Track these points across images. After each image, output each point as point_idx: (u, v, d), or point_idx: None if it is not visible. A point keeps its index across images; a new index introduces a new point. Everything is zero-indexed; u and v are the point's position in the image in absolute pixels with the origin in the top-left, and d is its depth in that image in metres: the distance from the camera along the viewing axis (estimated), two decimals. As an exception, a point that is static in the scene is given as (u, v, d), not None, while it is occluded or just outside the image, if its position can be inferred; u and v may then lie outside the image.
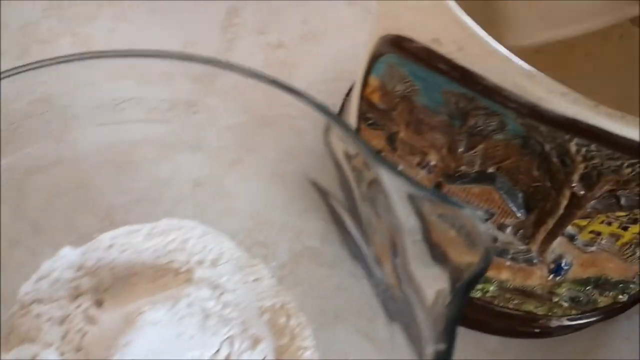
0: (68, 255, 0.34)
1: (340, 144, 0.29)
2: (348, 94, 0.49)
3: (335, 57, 0.54)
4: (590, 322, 0.40)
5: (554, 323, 0.40)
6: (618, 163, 0.28)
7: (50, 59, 0.31)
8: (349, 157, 0.29)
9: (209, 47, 0.53)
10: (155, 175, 0.36)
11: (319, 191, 0.34)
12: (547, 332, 0.41)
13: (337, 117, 0.28)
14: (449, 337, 0.23)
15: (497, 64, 0.28)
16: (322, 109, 0.29)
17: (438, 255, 0.27)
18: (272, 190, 0.39)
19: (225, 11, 0.55)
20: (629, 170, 0.28)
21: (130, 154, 0.36)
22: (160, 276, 0.34)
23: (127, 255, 0.34)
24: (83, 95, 0.34)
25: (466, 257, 0.26)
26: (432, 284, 0.26)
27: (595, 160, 0.28)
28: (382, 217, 0.28)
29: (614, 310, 0.41)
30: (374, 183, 0.27)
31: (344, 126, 0.28)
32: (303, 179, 0.35)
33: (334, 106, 0.50)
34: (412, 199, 0.26)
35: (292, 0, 0.57)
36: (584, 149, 0.28)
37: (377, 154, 0.27)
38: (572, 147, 0.28)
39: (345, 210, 0.33)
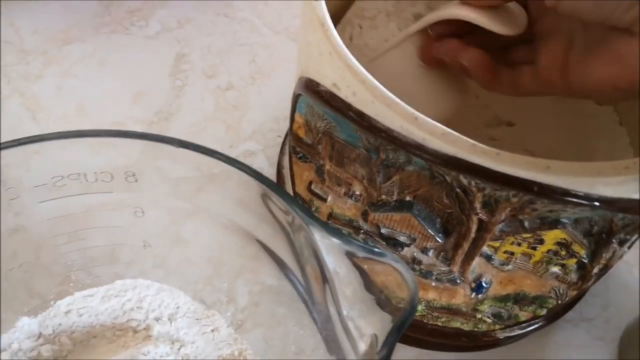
0: (26, 325, 0.35)
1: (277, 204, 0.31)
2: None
3: (285, 94, 0.55)
4: (534, 328, 0.42)
5: (500, 334, 0.42)
6: (504, 193, 0.30)
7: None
8: (286, 213, 0.31)
9: (159, 96, 0.54)
10: (110, 237, 0.37)
11: (262, 245, 0.35)
12: (494, 343, 0.43)
13: (272, 183, 0.30)
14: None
15: (385, 107, 0.30)
16: (256, 176, 0.30)
17: (381, 300, 0.29)
18: (225, 237, 0.40)
19: (173, 58, 0.57)
20: (516, 199, 0.30)
21: (85, 221, 0.37)
22: (120, 336, 0.35)
23: (86, 319, 0.35)
24: (38, 171, 0.35)
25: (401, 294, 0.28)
26: (369, 328, 0.28)
27: (487, 191, 0.30)
28: (315, 268, 0.29)
29: (555, 315, 0.43)
30: (306, 236, 0.29)
31: (279, 192, 0.30)
32: (251, 230, 0.36)
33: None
34: (345, 252, 0.28)
35: (238, 41, 0.58)
36: (473, 182, 0.30)
37: (309, 214, 0.28)
38: (464, 180, 0.30)
39: (290, 262, 0.34)
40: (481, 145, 0.28)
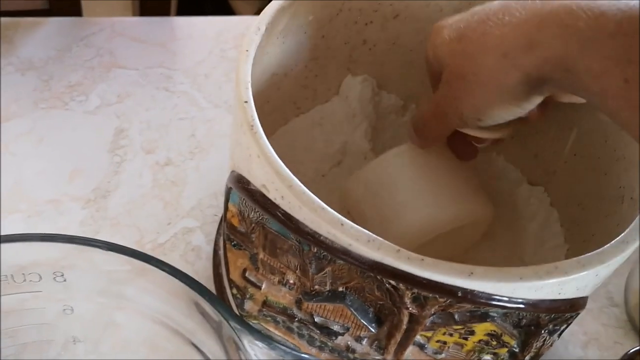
0: None
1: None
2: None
3: (224, 170, 0.56)
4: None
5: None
6: (430, 295, 0.31)
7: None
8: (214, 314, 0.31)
9: (97, 172, 0.54)
10: (41, 334, 0.37)
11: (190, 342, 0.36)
12: None
13: (200, 286, 0.31)
14: None
15: (311, 212, 0.31)
16: (187, 281, 0.31)
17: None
18: (155, 331, 0.40)
19: (112, 133, 0.57)
20: (443, 299, 0.31)
21: (17, 318, 0.37)
22: None
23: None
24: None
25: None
26: None
27: (415, 290, 0.31)
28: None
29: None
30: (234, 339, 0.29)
31: (206, 296, 0.30)
32: (178, 326, 0.36)
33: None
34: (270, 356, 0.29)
35: (177, 115, 0.59)
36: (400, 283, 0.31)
37: (238, 319, 0.29)
38: (392, 281, 0.31)
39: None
40: (405, 251, 0.29)
